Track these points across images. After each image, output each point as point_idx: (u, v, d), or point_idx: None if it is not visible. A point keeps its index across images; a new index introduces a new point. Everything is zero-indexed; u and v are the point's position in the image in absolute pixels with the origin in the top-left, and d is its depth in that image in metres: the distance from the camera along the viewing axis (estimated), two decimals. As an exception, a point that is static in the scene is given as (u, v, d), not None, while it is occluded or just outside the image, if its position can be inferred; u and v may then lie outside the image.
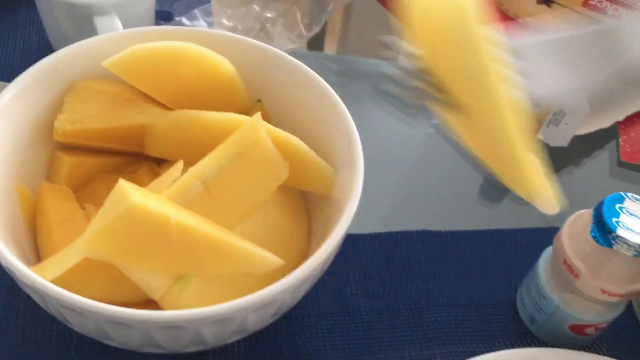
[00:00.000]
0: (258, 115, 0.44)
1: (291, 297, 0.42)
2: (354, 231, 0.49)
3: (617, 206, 0.46)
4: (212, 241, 0.40)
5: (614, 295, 0.47)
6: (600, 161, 0.68)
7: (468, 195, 0.65)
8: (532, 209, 0.47)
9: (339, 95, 0.49)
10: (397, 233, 0.59)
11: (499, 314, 0.56)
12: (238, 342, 0.50)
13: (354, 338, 0.52)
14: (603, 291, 0.47)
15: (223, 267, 0.41)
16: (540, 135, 0.42)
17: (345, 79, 0.61)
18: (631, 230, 0.44)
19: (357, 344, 0.52)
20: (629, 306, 0.57)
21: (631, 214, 0.45)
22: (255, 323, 0.42)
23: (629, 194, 0.46)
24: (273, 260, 0.41)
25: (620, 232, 0.44)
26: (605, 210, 0.45)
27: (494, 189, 0.61)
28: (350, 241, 0.58)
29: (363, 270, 0.56)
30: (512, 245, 0.60)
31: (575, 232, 0.48)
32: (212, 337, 0.41)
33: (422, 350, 0.52)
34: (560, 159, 0.64)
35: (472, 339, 0.53)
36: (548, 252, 0.52)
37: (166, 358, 0.50)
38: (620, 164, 0.67)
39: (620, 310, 0.50)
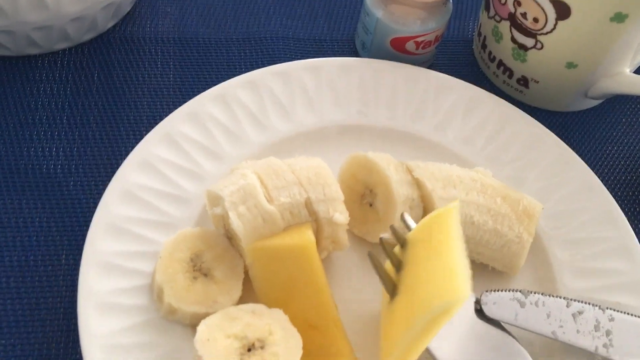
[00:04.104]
0: None
1: None
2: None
3: None
4: None
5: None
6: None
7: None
8: None
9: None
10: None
11: (338, 48, 0.57)
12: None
13: (189, 64, 0.54)
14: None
15: None
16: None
17: None
18: None
19: (190, 66, 0.54)
20: (469, 43, 0.59)
21: None
22: None
23: None
24: None
25: None
26: None
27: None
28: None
29: (207, 4, 0.58)
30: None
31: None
32: None
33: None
34: None
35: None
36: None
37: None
38: None
39: (440, 21, 0.51)
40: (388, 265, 0.38)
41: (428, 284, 0.34)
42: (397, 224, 0.40)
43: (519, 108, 0.53)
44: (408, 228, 0.39)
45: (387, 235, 0.39)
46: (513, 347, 0.38)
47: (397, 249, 0.39)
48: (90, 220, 0.42)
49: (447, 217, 0.36)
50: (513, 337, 0.38)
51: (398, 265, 0.38)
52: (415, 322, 0.34)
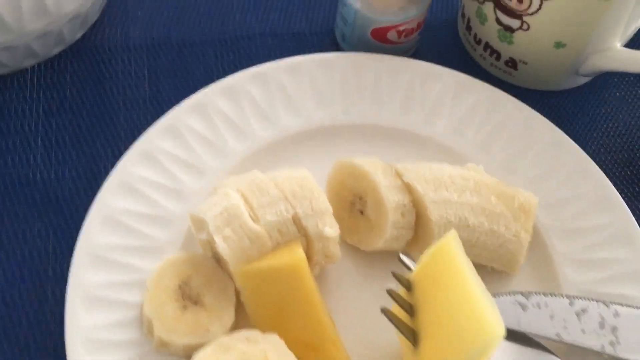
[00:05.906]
0: None
1: None
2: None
3: None
4: None
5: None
6: None
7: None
8: None
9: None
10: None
11: (318, 42, 0.55)
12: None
13: (163, 71, 0.52)
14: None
15: None
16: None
17: None
18: None
19: (165, 73, 0.52)
20: (454, 25, 0.57)
21: None
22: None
23: None
24: None
25: None
26: None
27: None
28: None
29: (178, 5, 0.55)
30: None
31: None
32: None
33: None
34: None
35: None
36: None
37: None
38: None
39: (421, 8, 0.49)
40: (396, 308, 0.36)
41: (456, 327, 0.33)
42: (390, 232, 0.39)
43: (509, 90, 0.51)
44: (408, 269, 0.38)
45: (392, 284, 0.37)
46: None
47: (403, 292, 0.37)
48: (72, 249, 0.40)
49: (449, 250, 0.35)
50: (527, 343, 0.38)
51: (410, 311, 0.36)
52: None
